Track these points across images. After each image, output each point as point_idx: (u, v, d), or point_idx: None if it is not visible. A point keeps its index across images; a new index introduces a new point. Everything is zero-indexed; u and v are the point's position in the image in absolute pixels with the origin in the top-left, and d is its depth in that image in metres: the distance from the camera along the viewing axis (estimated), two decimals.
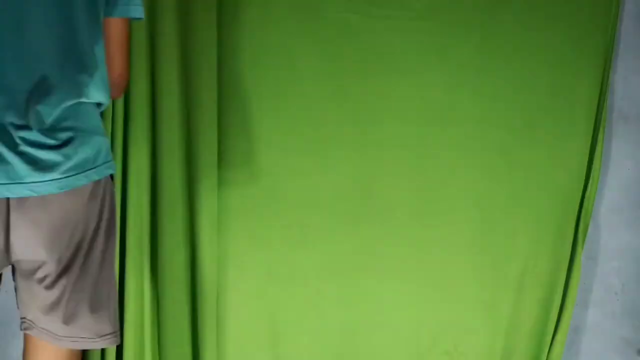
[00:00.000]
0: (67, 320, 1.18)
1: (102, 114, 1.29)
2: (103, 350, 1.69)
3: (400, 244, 1.84)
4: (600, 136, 1.88)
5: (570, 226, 1.91)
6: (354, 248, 1.82)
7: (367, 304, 1.86)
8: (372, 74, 1.75)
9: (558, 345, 1.95)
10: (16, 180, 1.09)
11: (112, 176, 1.27)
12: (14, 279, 1.24)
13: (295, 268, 1.81)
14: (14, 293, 1.27)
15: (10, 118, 1.09)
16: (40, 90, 1.11)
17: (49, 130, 1.11)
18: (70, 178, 1.12)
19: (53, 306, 1.18)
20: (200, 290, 1.74)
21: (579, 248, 1.91)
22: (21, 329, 1.24)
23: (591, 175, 1.89)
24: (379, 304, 1.86)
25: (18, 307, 1.25)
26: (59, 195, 1.12)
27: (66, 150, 1.12)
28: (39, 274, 1.17)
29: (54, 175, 1.11)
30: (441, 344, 1.91)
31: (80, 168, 1.14)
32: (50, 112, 1.11)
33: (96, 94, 1.18)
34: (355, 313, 1.86)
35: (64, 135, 1.12)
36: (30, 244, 1.13)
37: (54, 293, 1.17)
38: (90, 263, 1.19)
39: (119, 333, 1.28)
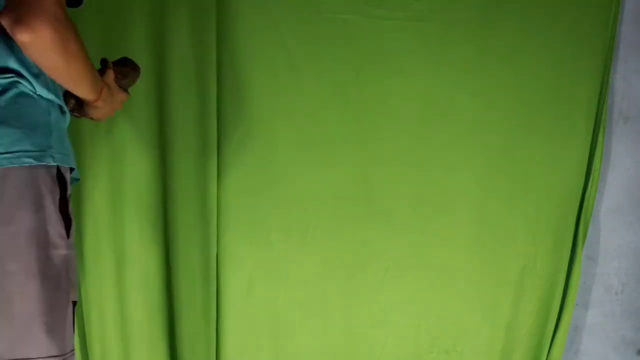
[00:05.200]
0: None
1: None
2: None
3: (400, 244, 1.84)
4: (600, 136, 1.88)
5: (570, 226, 1.92)
6: (354, 248, 1.82)
7: (367, 304, 1.86)
8: (372, 75, 1.75)
9: (558, 345, 1.95)
10: None
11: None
12: None
13: (295, 268, 1.81)
14: None
15: None
16: None
17: None
18: None
19: None
20: (200, 290, 1.74)
21: (579, 248, 1.92)
22: None
23: (591, 175, 1.90)
24: (378, 304, 1.87)
25: None
26: None
27: None
28: None
29: None
30: (440, 343, 1.91)
31: None
32: None
33: None
34: (355, 312, 1.86)
35: None
36: None
37: None
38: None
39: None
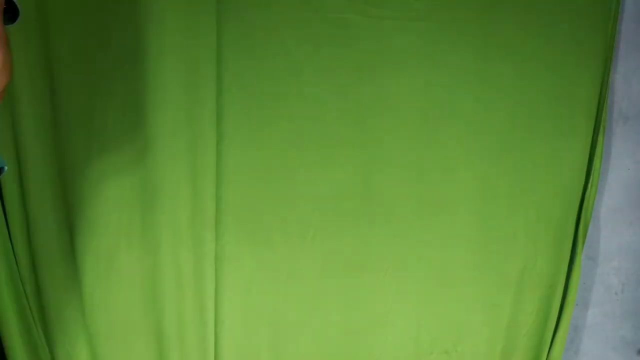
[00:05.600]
0: None
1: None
2: None
3: (400, 244, 1.84)
4: (600, 136, 1.88)
5: (570, 226, 1.92)
6: (353, 247, 1.82)
7: (366, 304, 1.86)
8: (373, 74, 1.75)
9: (558, 345, 1.96)
10: None
11: None
12: None
13: (295, 267, 1.80)
14: None
15: None
16: None
17: None
18: None
19: None
20: (198, 290, 1.75)
21: (579, 248, 1.92)
22: None
23: (591, 175, 1.90)
24: (378, 304, 1.87)
25: None
26: None
27: None
28: None
29: None
30: (440, 343, 1.91)
31: None
32: None
33: None
34: (355, 312, 1.86)
35: None
36: None
37: None
38: None
39: None
